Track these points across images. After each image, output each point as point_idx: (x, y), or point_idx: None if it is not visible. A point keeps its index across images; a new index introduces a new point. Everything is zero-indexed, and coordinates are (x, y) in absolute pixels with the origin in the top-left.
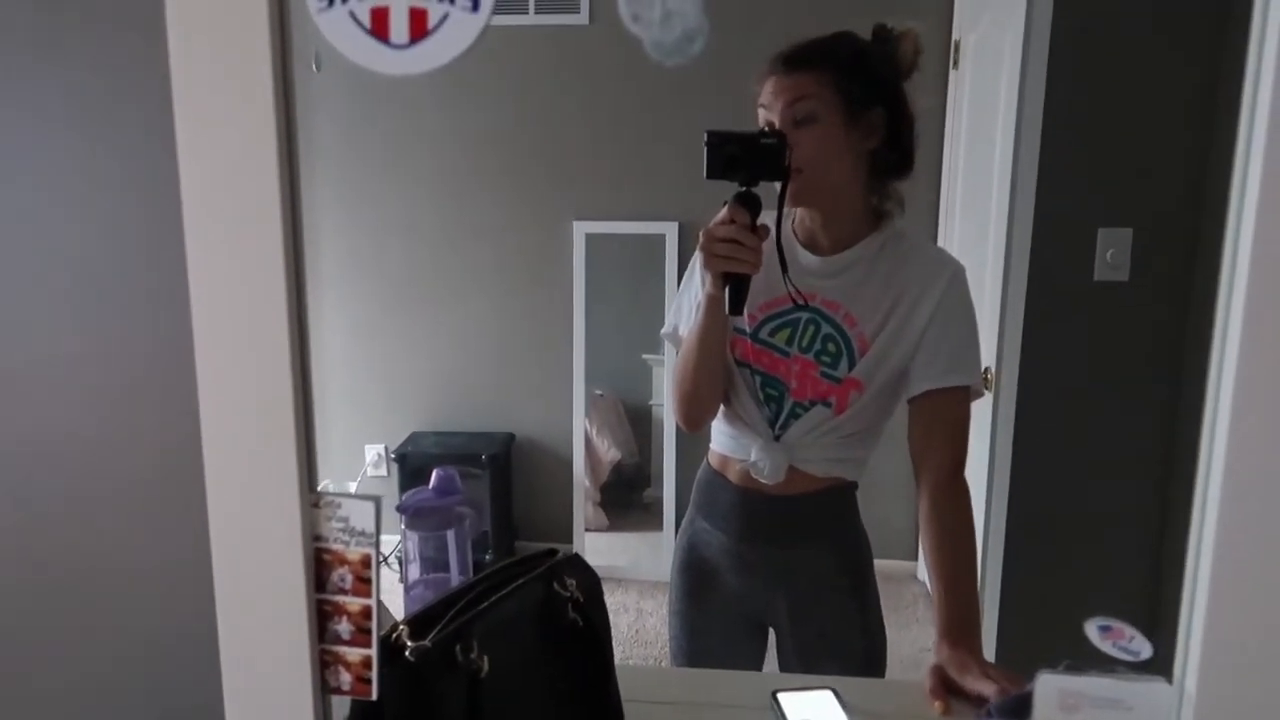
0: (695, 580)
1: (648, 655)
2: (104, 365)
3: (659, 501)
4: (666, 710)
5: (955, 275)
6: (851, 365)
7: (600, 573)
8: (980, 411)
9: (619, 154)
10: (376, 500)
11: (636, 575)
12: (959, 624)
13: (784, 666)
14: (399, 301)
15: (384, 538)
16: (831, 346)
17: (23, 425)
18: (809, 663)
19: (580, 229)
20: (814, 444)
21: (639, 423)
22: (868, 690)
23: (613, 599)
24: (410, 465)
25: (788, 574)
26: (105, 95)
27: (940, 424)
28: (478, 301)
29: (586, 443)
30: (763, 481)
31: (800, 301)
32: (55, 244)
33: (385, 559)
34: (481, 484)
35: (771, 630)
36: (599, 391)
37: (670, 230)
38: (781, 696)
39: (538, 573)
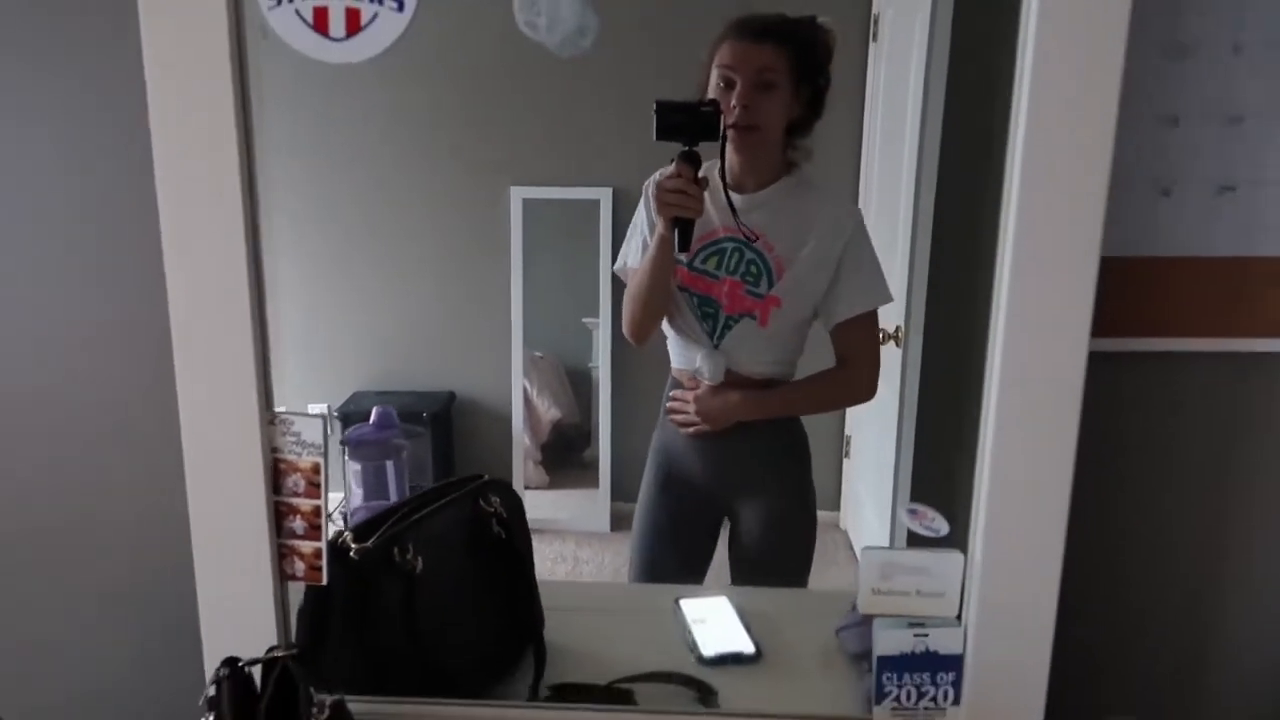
0: (663, 473)
1: None
2: (90, 313)
3: (597, 461)
4: (582, 615)
5: (859, 217)
6: (771, 284)
7: (540, 526)
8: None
9: (554, 120)
10: (323, 417)
11: (575, 527)
12: (765, 394)
13: (732, 544)
14: (338, 264)
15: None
16: (754, 269)
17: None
18: (759, 542)
19: (517, 194)
20: (745, 349)
21: (579, 384)
22: (758, 597)
23: (551, 549)
24: (353, 423)
25: (737, 458)
26: (83, 78)
27: (859, 343)
28: (417, 264)
29: (526, 402)
30: (707, 383)
31: (746, 236)
32: (35, 206)
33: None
34: (423, 442)
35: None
36: (539, 353)
37: (605, 195)
38: (683, 602)
39: (466, 490)
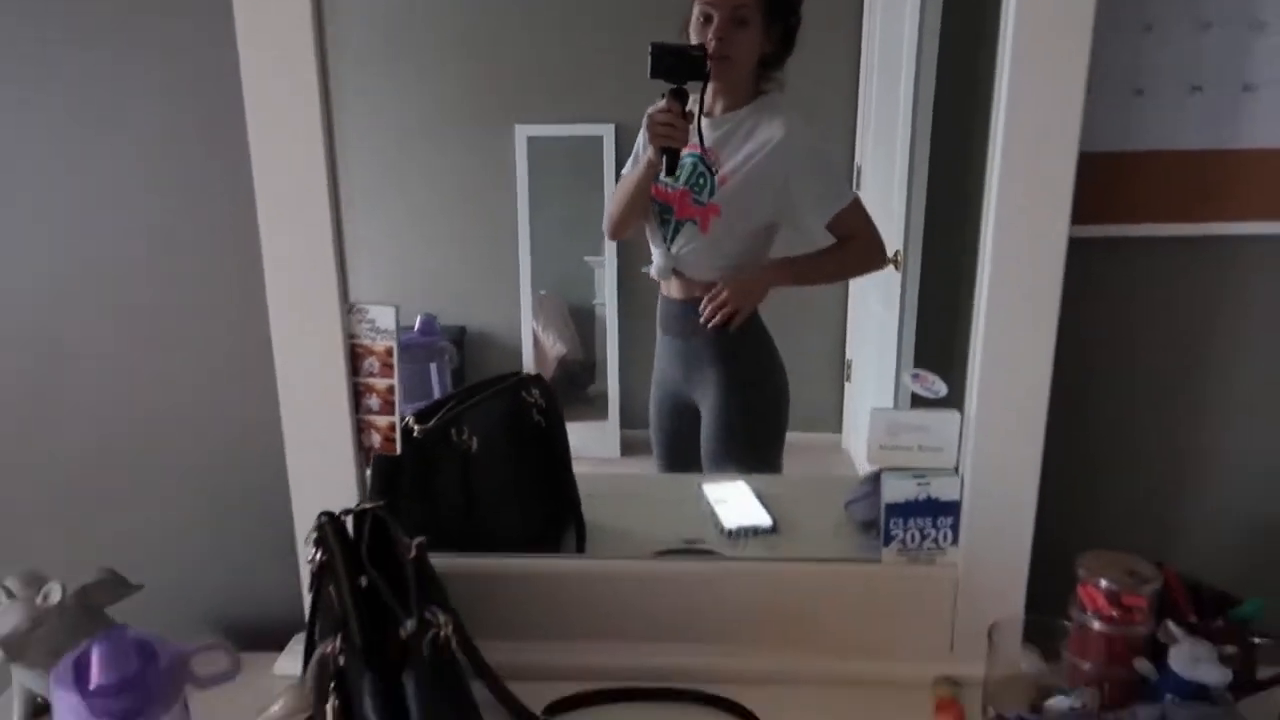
0: (656, 378)
1: None
2: (189, 224)
3: (604, 395)
4: (614, 499)
5: (804, 136)
6: (711, 194)
7: None
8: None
9: (558, 58)
10: (396, 306)
11: (586, 454)
12: (786, 260)
13: (702, 437)
14: (355, 198)
15: None
16: (701, 180)
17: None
18: (710, 429)
19: (522, 132)
20: (688, 251)
21: (582, 321)
22: (774, 482)
23: None
24: None
25: (699, 358)
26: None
27: (852, 227)
28: (424, 202)
29: (534, 339)
30: (659, 281)
31: (703, 155)
32: (137, 127)
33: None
34: None
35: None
36: (543, 291)
37: (608, 132)
38: (705, 486)
39: (508, 384)
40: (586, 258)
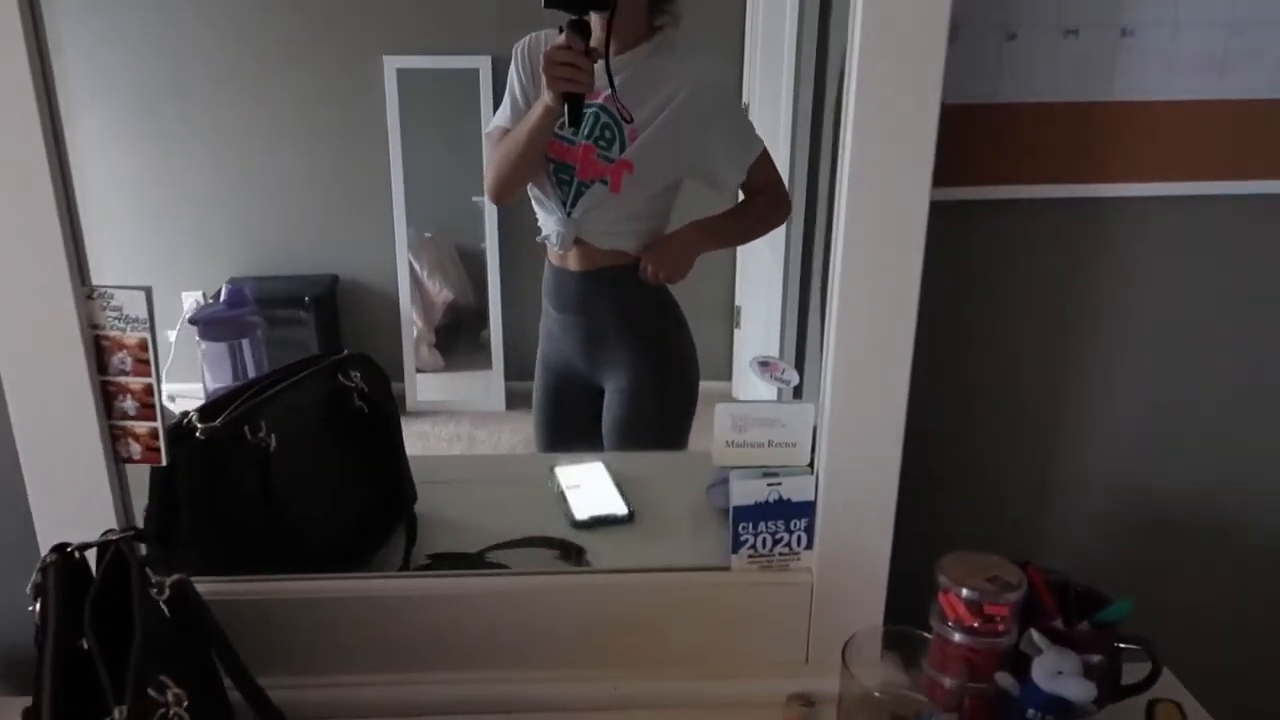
0: (544, 352)
1: None
2: None
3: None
4: (461, 487)
5: (721, 77)
6: (623, 148)
7: (435, 408)
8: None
9: None
10: (147, 290)
11: (470, 408)
12: (702, 222)
13: (604, 419)
14: (197, 142)
15: None
16: (608, 133)
17: None
18: (620, 412)
19: (391, 64)
20: (596, 217)
21: (472, 265)
22: (636, 461)
23: (446, 430)
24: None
25: (599, 333)
26: None
27: (761, 179)
28: (286, 140)
29: (418, 285)
30: (557, 252)
31: (619, 111)
32: None
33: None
34: (307, 328)
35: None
36: (428, 234)
37: (484, 65)
38: (557, 469)
39: (323, 366)
40: (475, 198)
